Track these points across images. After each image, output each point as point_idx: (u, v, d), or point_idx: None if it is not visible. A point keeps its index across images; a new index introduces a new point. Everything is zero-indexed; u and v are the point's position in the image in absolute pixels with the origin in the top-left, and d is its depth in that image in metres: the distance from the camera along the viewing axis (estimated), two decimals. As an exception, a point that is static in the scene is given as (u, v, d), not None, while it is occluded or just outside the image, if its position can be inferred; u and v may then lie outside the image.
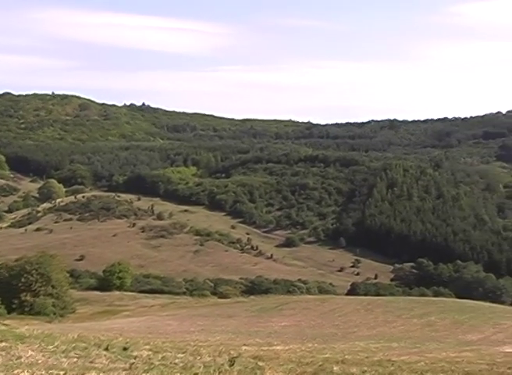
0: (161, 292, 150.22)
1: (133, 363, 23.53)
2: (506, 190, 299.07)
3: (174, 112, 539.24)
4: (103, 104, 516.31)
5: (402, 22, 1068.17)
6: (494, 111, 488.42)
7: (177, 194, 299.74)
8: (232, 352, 30.76)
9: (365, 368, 29.83)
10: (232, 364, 25.34)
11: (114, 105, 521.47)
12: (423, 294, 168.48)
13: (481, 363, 35.91)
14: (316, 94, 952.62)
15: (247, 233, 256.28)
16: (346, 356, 35.71)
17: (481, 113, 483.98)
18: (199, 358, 27.66)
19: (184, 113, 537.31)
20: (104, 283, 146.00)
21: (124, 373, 21.45)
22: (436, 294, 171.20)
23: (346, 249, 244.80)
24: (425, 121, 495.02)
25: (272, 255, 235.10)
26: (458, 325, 66.35)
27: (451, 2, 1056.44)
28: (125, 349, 27.43)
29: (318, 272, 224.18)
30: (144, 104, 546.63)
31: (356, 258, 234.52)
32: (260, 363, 27.22)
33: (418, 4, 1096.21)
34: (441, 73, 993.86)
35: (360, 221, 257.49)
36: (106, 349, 26.76)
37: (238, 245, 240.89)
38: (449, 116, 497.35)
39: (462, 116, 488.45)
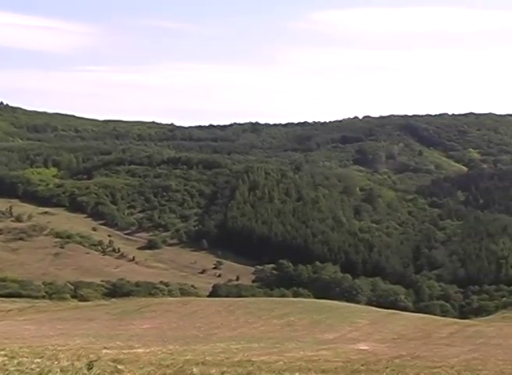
0: (19, 296, 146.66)
1: (-13, 370, 22.94)
2: (362, 193, 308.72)
3: (34, 111, 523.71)
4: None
5: (265, 26, 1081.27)
6: (351, 116, 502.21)
7: (37, 196, 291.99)
8: (91, 356, 30.45)
9: (225, 368, 30.24)
10: (91, 368, 25.14)
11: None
12: (283, 295, 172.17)
13: (336, 361, 37.10)
14: (179, 96, 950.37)
15: (109, 236, 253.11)
16: (207, 357, 36.04)
17: (340, 118, 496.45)
18: (57, 362, 27.25)
19: (45, 113, 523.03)
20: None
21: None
22: (296, 295, 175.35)
23: (208, 251, 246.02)
24: (286, 125, 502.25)
25: (134, 257, 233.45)
26: (316, 324, 68.03)
27: (311, 9, 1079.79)
28: (-21, 356, 26.66)
29: (180, 274, 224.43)
30: (1, 103, 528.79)
31: (218, 260, 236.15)
32: (119, 366, 27.12)
33: (280, 9, 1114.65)
34: (302, 78, 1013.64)
35: (222, 223, 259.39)
36: (-41, 356, 25.93)
37: (99, 248, 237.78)
38: (309, 121, 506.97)
39: (321, 121, 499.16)
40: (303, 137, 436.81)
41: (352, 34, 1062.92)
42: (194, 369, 28.87)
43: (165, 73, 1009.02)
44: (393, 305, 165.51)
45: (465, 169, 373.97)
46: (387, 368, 33.87)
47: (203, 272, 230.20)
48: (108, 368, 26.21)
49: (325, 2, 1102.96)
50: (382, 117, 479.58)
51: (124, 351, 37.89)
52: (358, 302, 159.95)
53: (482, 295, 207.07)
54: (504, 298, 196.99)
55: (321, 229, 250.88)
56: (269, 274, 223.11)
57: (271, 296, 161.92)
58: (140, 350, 39.30)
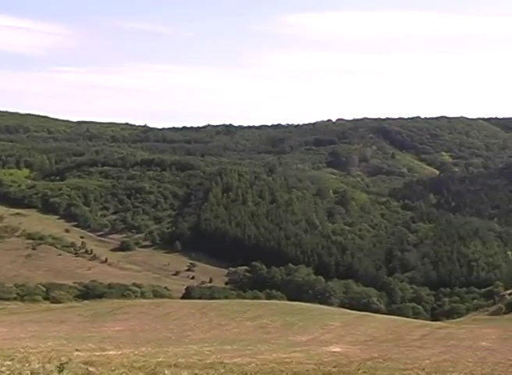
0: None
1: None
2: (335, 195, 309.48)
3: (6, 112, 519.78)
4: None
5: (239, 29, 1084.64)
6: (325, 119, 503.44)
7: (9, 197, 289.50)
8: (62, 358, 30.26)
9: (197, 371, 30.24)
10: (62, 370, 25.00)
11: None
12: (256, 297, 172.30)
13: (309, 363, 37.17)
14: (153, 97, 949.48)
15: (82, 237, 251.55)
16: (180, 360, 35.97)
17: (313, 121, 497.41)
18: (27, 365, 27.07)
19: (17, 114, 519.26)
20: None
21: None
22: (269, 297, 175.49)
23: (181, 253, 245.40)
24: (260, 127, 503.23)
25: (106, 259, 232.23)
26: (289, 327, 68.11)
27: (285, 12, 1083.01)
28: None
29: (153, 276, 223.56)
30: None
31: (191, 262, 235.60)
32: (91, 369, 27.00)
33: (255, 12, 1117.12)
34: (276, 81, 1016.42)
35: (195, 225, 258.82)
36: None
37: (72, 249, 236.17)
38: (283, 123, 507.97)
39: (295, 123, 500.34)
40: (276, 140, 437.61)
41: (326, 38, 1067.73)
42: (166, 372, 28.83)
43: (139, 75, 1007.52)
44: (366, 307, 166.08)
45: (437, 172, 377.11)
46: (359, 370, 34.05)
47: (176, 274, 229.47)
48: (80, 370, 26.10)
49: (300, 5, 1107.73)
50: (355, 120, 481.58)
51: (96, 353, 37.72)
52: (331, 304, 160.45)
53: (454, 298, 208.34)
54: (475, 301, 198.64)
55: (294, 231, 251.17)
56: (242, 276, 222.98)
57: (244, 298, 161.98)
58: (112, 352, 39.14)
